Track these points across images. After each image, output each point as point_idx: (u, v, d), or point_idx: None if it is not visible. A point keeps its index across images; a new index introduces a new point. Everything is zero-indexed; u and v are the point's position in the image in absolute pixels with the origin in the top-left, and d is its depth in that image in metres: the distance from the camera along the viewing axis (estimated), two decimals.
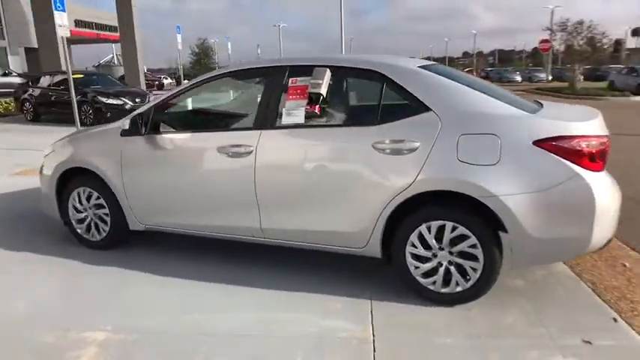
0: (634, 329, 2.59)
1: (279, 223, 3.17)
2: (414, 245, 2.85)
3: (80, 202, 3.84)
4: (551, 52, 35.62)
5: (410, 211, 2.82)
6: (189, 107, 3.94)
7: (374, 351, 2.45)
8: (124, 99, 12.22)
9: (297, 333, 2.63)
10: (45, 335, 2.63)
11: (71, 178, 3.86)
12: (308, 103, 3.02)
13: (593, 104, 16.86)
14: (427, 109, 2.80)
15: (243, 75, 3.52)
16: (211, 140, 3.28)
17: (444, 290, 2.85)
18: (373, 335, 2.58)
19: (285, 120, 3.09)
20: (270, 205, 3.14)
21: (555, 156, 2.56)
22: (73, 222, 3.92)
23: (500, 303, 2.86)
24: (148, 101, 5.94)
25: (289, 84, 3.14)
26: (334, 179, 2.96)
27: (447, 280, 2.84)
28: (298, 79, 3.14)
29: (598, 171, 2.60)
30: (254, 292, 3.11)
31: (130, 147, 3.54)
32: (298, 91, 3.11)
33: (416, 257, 2.87)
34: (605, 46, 23.44)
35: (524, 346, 2.46)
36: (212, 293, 3.11)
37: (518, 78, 41.39)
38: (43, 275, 3.45)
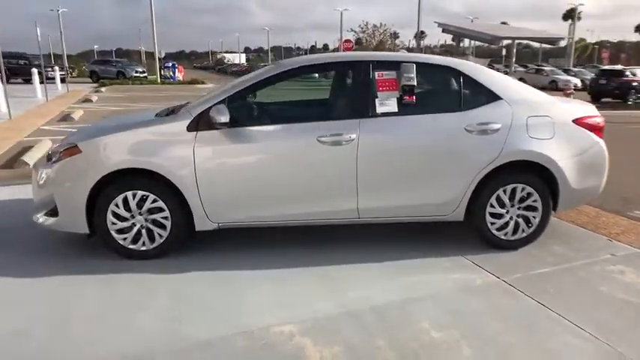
0: (623, 242, 3.89)
1: (377, 203, 3.52)
2: (492, 206, 3.61)
3: (127, 208, 3.39)
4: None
5: (491, 179, 3.55)
6: (257, 98, 3.79)
7: (511, 285, 3.13)
8: None
9: (445, 287, 3.12)
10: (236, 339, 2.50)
11: (107, 182, 3.35)
12: (405, 94, 3.45)
13: None
14: (498, 97, 3.57)
15: (323, 67, 3.68)
16: (310, 131, 3.39)
17: (512, 238, 3.69)
18: (497, 277, 3.26)
19: (380, 109, 3.46)
20: (370, 187, 3.47)
21: (585, 130, 3.64)
22: (113, 233, 3.42)
23: (539, 244, 3.83)
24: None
25: (376, 77, 3.50)
26: (431, 159, 3.49)
27: (514, 230, 3.68)
28: (383, 72, 3.53)
29: (602, 139, 3.79)
30: (372, 267, 3.41)
31: (205, 142, 3.33)
32: (387, 83, 3.51)
33: (492, 215, 3.63)
34: (394, 46, 27.94)
35: (583, 264, 3.47)
36: (343, 274, 3.30)
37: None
38: (145, 293, 3.02)
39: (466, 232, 3.88)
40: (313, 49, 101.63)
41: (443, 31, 37.46)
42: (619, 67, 24.51)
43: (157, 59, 29.53)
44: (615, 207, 4.86)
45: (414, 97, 3.47)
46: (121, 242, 3.45)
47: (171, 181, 3.34)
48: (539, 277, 3.29)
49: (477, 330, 2.64)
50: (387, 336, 2.56)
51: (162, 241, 3.48)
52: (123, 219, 3.41)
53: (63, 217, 3.43)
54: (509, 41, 33.39)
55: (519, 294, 3.05)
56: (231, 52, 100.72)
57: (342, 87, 3.57)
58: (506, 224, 3.66)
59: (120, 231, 3.43)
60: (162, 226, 3.45)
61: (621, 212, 4.69)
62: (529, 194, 3.61)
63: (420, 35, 37.41)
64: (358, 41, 27.97)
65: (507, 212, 3.64)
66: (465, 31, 33.62)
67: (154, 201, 3.39)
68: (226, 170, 3.39)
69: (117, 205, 3.38)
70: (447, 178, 3.52)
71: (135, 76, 32.06)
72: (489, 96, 3.58)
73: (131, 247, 3.47)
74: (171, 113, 3.86)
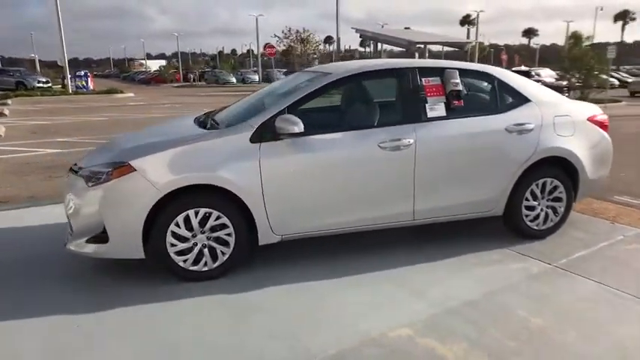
0: (623, 224, 4.42)
1: (431, 204, 3.68)
2: (527, 199, 3.92)
3: (189, 227, 3.20)
4: (253, 56, 39.81)
5: (526, 175, 3.86)
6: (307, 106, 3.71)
7: (565, 269, 3.45)
8: None
9: (512, 277, 3.35)
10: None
11: (164, 202, 3.15)
12: (453, 99, 3.65)
13: None
14: (528, 100, 3.90)
15: (375, 75, 3.74)
16: (370, 137, 3.46)
17: (543, 227, 4.04)
18: (548, 263, 3.56)
19: (430, 114, 3.62)
20: (425, 189, 3.61)
21: (596, 126, 4.09)
22: (172, 255, 3.21)
23: (559, 233, 4.22)
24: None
25: (424, 83, 3.66)
26: (478, 159, 3.72)
27: (544, 220, 4.03)
28: (430, 79, 3.70)
29: (607, 134, 4.27)
30: (435, 266, 3.56)
31: (270, 153, 3.26)
32: (434, 89, 3.69)
33: (527, 208, 3.95)
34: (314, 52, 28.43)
35: (606, 246, 3.90)
36: (411, 275, 3.40)
37: (234, 79, 44.76)
38: (232, 314, 2.87)
39: (490, 227, 4.15)
40: (221, 55, 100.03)
41: (360, 37, 38.77)
42: (524, 67, 27.16)
43: (66, 68, 27.24)
44: (598, 194, 5.46)
45: (462, 102, 3.68)
46: (182, 264, 3.25)
47: (235, 196, 3.22)
48: (580, 260, 3.64)
49: (568, 312, 2.89)
50: (497, 327, 2.72)
51: (225, 259, 3.33)
52: (183, 239, 3.22)
53: (115, 242, 3.15)
54: (422, 46, 35.30)
55: (576, 276, 3.36)
56: (138, 60, 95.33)
57: (393, 93, 3.67)
58: (538, 215, 4.00)
59: (180, 252, 3.23)
60: (226, 244, 3.31)
61: (605, 198, 5.29)
62: (556, 187, 3.98)
63: (329, 41, 38.45)
64: (289, 49, 27.94)
65: (539, 204, 3.98)
66: (381, 37, 35.17)
67: (218, 218, 3.24)
68: (291, 181, 3.34)
69: (177, 225, 3.18)
70: (491, 176, 3.77)
71: (38, 87, 29.36)
72: (520, 98, 3.90)
73: (192, 268, 3.28)
74: (210, 120, 3.73)
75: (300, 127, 3.16)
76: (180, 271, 3.27)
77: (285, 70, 36.11)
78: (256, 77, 46.07)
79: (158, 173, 3.12)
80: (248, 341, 2.60)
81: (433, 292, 3.16)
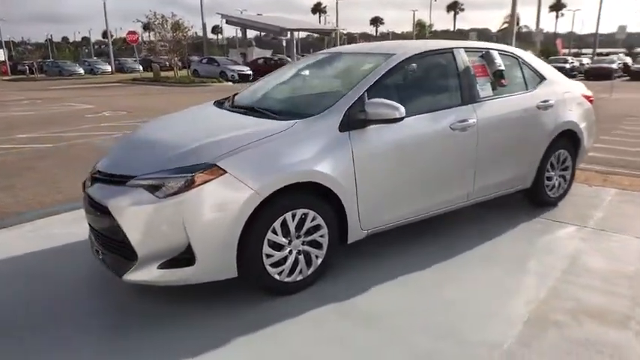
0: (597, 186, 5.06)
1: (485, 183, 3.75)
2: (547, 170, 4.24)
3: (284, 233, 2.78)
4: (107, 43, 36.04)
5: (549, 149, 4.16)
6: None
7: (602, 230, 3.84)
8: None
9: (569, 245, 3.61)
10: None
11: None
12: (499, 78, 3.74)
13: (205, 89, 19.85)
14: (544, 78, 4.19)
15: (436, 55, 3.59)
16: (442, 119, 3.37)
17: (557, 195, 4.42)
18: (585, 226, 3.92)
19: (482, 94, 3.67)
20: (483, 169, 3.67)
21: (586, 99, 4.58)
22: (267, 267, 2.76)
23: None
24: None
25: (473, 64, 3.69)
26: (520, 135, 3.90)
27: (558, 188, 4.41)
28: (475, 59, 3.74)
29: None
30: (498, 247, 3.66)
31: (361, 142, 2.98)
32: (480, 69, 3.74)
33: (547, 179, 4.28)
34: (186, 38, 26.63)
35: (613, 203, 4.45)
36: (505, 250, 3.47)
37: (81, 70, 39.75)
38: (350, 325, 2.55)
39: (493, 203, 4.17)
40: (52, 43, 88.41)
41: (227, 23, 37.55)
42: None
43: None
44: None
45: (505, 81, 3.79)
46: (277, 277, 2.81)
47: (330, 192, 2.88)
48: (605, 220, 4.07)
49: None
50: (609, 284, 2.96)
51: (319, 263, 2.97)
52: (279, 247, 2.78)
53: (204, 263, 2.58)
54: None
55: (618, 235, 3.75)
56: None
57: (449, 73, 3.60)
58: (554, 185, 4.36)
59: (275, 264, 2.79)
60: (319, 247, 2.95)
61: None
62: (566, 157, 4.38)
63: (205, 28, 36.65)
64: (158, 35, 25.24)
65: (554, 174, 4.34)
66: (250, 23, 34.47)
67: (313, 219, 2.86)
68: (380, 170, 3.10)
69: (274, 232, 2.73)
70: (528, 151, 3.99)
71: None
72: (540, 77, 4.18)
73: (287, 280, 2.86)
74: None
75: (401, 112, 2.93)
76: (275, 285, 2.83)
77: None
78: (108, 67, 41.72)
79: (252, 174, 2.62)
80: (403, 344, 2.37)
81: (532, 265, 3.28)
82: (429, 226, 3.79)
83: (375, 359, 2.31)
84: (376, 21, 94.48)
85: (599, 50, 44.20)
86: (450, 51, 3.65)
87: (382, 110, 2.93)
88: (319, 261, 2.97)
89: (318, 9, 79.78)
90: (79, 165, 6.45)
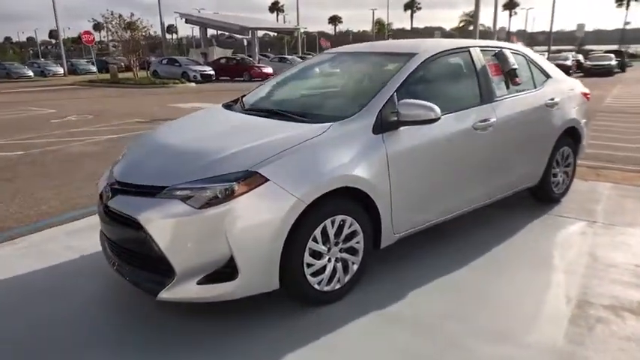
0: (590, 180, 5.23)
1: (502, 181, 3.77)
2: (553, 167, 4.32)
3: (325, 241, 2.68)
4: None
5: (555, 147, 4.23)
6: None
7: (611, 224, 3.94)
8: None
9: (586, 239, 3.68)
10: None
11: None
12: (512, 77, 3.76)
13: (169, 90, 19.33)
14: (549, 76, 4.27)
15: (456, 54, 3.56)
16: (467, 118, 3.36)
17: (560, 191, 4.51)
18: (595, 221, 4.01)
19: (498, 93, 3.69)
20: (501, 167, 3.70)
21: (583, 96, 4.69)
22: (308, 277, 2.65)
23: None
24: None
25: (488, 63, 3.70)
26: (532, 133, 3.95)
27: (561, 185, 4.50)
28: (489, 58, 3.76)
29: None
30: (525, 238, 3.68)
31: (394, 144, 2.91)
32: (494, 68, 3.76)
33: (553, 175, 4.36)
34: (146, 39, 25.71)
35: (613, 197, 4.59)
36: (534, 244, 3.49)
37: (30, 73, 37.68)
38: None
39: (505, 201, 4.15)
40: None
41: (186, 22, 36.56)
42: None
43: None
44: None
45: (519, 80, 3.83)
46: (317, 287, 2.70)
47: (366, 197, 2.80)
48: (612, 215, 4.18)
49: None
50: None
51: (355, 270, 2.89)
52: (319, 256, 2.68)
53: (247, 275, 2.44)
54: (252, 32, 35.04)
55: (630, 229, 3.85)
56: None
57: (467, 73, 3.58)
58: (558, 181, 4.45)
59: (315, 273, 2.68)
60: (355, 253, 2.86)
61: None
62: (569, 154, 4.48)
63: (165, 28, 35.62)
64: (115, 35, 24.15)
65: (559, 171, 4.43)
66: (210, 22, 33.65)
67: (350, 225, 2.77)
68: (413, 172, 3.05)
69: (315, 240, 2.62)
70: (538, 149, 4.05)
71: None
72: (545, 75, 4.26)
73: (326, 289, 2.75)
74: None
75: (437, 113, 2.88)
76: (316, 295, 2.72)
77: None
78: (60, 69, 39.74)
79: (294, 180, 2.50)
80: (464, 350, 2.33)
81: (557, 262, 3.33)
82: (445, 229, 3.77)
83: None
84: (334, 20, 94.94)
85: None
86: (467, 50, 3.64)
87: (417, 111, 2.87)
88: (355, 268, 2.88)
89: (275, 8, 79.25)
90: (58, 173, 6.09)
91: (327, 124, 2.80)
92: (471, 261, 3.31)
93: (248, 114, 3.37)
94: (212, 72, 27.48)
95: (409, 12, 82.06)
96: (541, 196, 4.40)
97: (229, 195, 2.39)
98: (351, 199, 2.76)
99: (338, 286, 2.81)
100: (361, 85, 3.48)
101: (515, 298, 2.84)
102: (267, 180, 2.44)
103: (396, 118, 2.90)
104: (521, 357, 2.30)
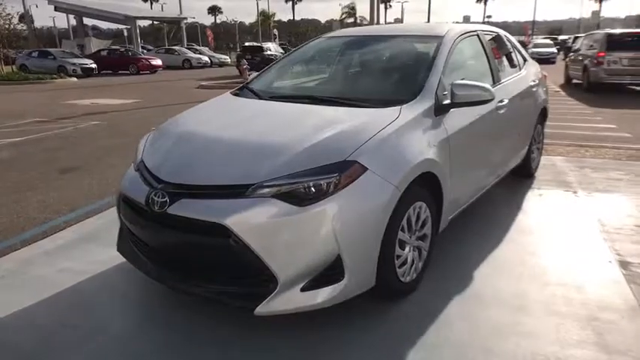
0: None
1: (506, 159, 3.95)
2: (531, 144, 4.64)
3: (410, 230, 2.55)
4: None
5: (535, 125, 4.56)
6: None
7: (595, 191, 4.37)
8: None
9: (571, 203, 4.04)
10: None
11: None
12: (510, 61, 3.95)
13: (47, 87, 17.42)
14: (526, 59, 4.57)
15: (474, 36, 3.59)
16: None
17: (534, 166, 4.88)
18: (576, 191, 4.41)
19: (502, 75, 3.84)
20: (508, 146, 3.88)
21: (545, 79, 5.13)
22: (397, 270, 2.51)
23: None
24: None
25: (491, 47, 3.83)
26: (525, 112, 4.20)
27: (535, 161, 4.87)
28: (493, 42, 3.89)
29: None
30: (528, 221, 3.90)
31: (450, 126, 2.87)
32: (496, 52, 3.90)
33: (531, 152, 4.69)
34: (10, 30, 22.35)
35: (574, 170, 5.09)
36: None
37: None
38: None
39: None
40: None
41: (56, 10, 32.71)
42: (256, 43, 28.58)
43: None
44: None
45: (516, 63, 4.03)
46: (401, 279, 2.56)
47: (433, 181, 2.72)
48: (587, 185, 4.60)
49: None
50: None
51: (425, 257, 2.80)
52: (404, 245, 2.54)
53: (353, 276, 2.23)
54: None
55: (612, 195, 4.27)
56: None
57: (482, 56, 3.62)
58: (534, 157, 4.80)
59: (401, 265, 2.54)
60: (425, 239, 2.77)
61: None
62: (540, 131, 4.86)
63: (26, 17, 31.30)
64: None
65: (535, 148, 4.79)
66: (86, 10, 30.37)
67: (425, 210, 2.68)
68: (464, 154, 3.03)
69: (402, 230, 2.48)
70: (526, 128, 4.32)
71: None
72: (524, 59, 4.53)
73: (407, 279, 2.63)
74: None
75: (492, 93, 2.88)
76: (399, 288, 2.59)
77: None
78: None
79: (388, 167, 2.34)
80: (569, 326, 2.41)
81: (575, 230, 3.56)
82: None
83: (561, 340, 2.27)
84: (214, 10, 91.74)
85: None
86: (475, 33, 3.72)
87: (473, 92, 2.85)
88: (425, 255, 2.80)
89: None
90: None
91: (397, 108, 2.66)
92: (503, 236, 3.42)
93: (289, 102, 3.05)
94: (93, 65, 24.95)
95: (290, 4, 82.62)
96: (523, 173, 4.71)
97: (335, 188, 2.15)
98: (423, 185, 2.66)
99: (415, 276, 2.71)
100: (402, 68, 3.36)
101: (567, 273, 2.95)
102: (366, 169, 2.24)
103: (449, 100, 2.86)
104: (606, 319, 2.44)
